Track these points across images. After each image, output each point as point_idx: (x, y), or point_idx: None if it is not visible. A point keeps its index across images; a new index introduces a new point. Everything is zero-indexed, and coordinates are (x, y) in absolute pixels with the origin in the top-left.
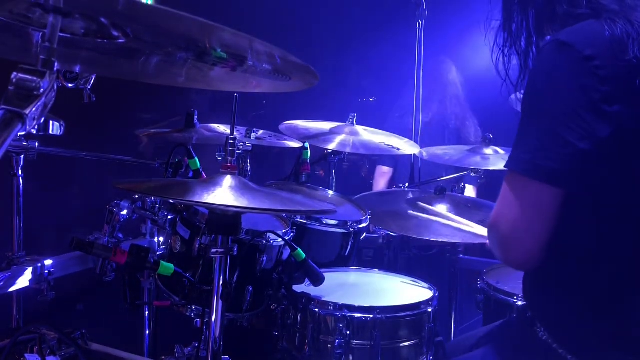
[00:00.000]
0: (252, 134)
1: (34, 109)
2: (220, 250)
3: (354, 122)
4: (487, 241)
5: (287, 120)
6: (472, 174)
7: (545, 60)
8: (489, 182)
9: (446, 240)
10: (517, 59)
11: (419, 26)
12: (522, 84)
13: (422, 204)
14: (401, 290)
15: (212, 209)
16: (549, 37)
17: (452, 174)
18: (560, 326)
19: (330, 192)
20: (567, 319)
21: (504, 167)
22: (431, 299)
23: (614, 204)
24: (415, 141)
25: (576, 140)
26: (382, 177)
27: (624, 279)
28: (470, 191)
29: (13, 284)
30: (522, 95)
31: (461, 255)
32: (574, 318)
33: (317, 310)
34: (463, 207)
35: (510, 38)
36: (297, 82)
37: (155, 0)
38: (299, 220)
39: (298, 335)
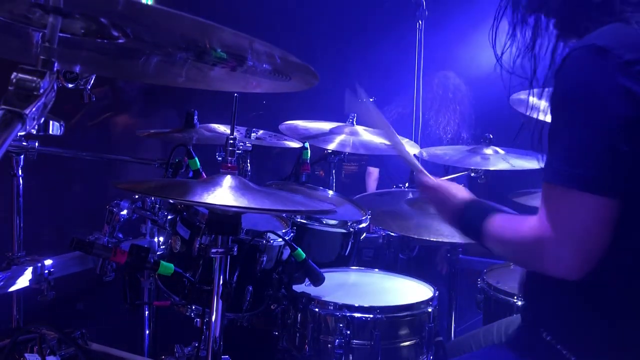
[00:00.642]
0: (252, 134)
1: (33, 109)
2: (220, 250)
3: (354, 122)
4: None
5: (287, 120)
6: (472, 174)
7: (580, 66)
8: (488, 182)
9: (446, 240)
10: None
11: (419, 26)
12: (534, 74)
13: None
14: (401, 290)
15: (212, 209)
16: (575, 41)
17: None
18: (563, 327)
19: (330, 192)
20: (570, 320)
21: (550, 181)
22: (431, 299)
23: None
24: (415, 140)
25: (625, 147)
26: (369, 177)
27: (631, 280)
28: None
29: (13, 284)
30: (525, 96)
31: (461, 256)
32: (577, 319)
33: (317, 310)
34: None
35: (518, 12)
36: (297, 82)
37: (155, 0)
38: (299, 220)
39: (298, 335)
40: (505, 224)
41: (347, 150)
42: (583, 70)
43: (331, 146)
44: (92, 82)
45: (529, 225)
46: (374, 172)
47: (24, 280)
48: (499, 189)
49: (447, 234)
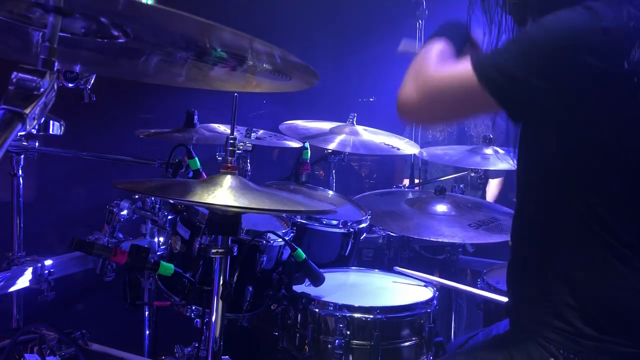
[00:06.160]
0: (252, 134)
1: (34, 109)
2: (220, 250)
3: (354, 122)
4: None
5: (287, 120)
6: (472, 174)
7: (566, 16)
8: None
9: (446, 240)
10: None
11: (419, 26)
12: None
13: None
14: (401, 290)
15: (212, 209)
16: None
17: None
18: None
19: (330, 192)
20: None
21: (471, 60)
22: (431, 299)
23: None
24: (415, 140)
25: (540, 84)
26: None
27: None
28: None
29: (13, 284)
30: None
31: (461, 256)
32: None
33: (317, 310)
34: (463, 207)
35: None
36: (297, 82)
37: (155, 0)
38: (299, 220)
39: (298, 335)
40: (435, 51)
41: (347, 150)
42: (570, 14)
43: (331, 146)
44: (92, 81)
45: (436, 60)
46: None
47: (24, 281)
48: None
49: (447, 234)
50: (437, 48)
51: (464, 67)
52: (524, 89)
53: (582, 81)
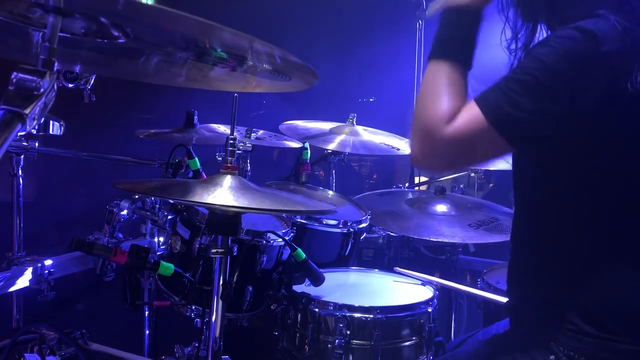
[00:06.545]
0: (252, 134)
1: (34, 109)
2: (220, 250)
3: (354, 122)
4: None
5: (287, 120)
6: (472, 174)
7: (567, 39)
8: (488, 182)
9: (446, 240)
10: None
11: (419, 26)
12: None
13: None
14: (401, 290)
15: (212, 209)
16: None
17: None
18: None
19: (330, 192)
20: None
21: (478, 104)
22: (431, 299)
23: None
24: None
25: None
26: None
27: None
28: None
29: (13, 284)
30: None
31: (461, 256)
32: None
33: (317, 310)
34: (463, 207)
35: None
36: (297, 82)
37: (155, 0)
38: (299, 220)
39: (298, 335)
40: (443, 83)
41: (347, 150)
42: (568, 43)
43: (331, 146)
44: (92, 81)
45: (446, 111)
46: None
47: (24, 280)
48: (499, 189)
49: (447, 234)
50: (444, 77)
51: (475, 118)
52: (535, 131)
53: (590, 110)
